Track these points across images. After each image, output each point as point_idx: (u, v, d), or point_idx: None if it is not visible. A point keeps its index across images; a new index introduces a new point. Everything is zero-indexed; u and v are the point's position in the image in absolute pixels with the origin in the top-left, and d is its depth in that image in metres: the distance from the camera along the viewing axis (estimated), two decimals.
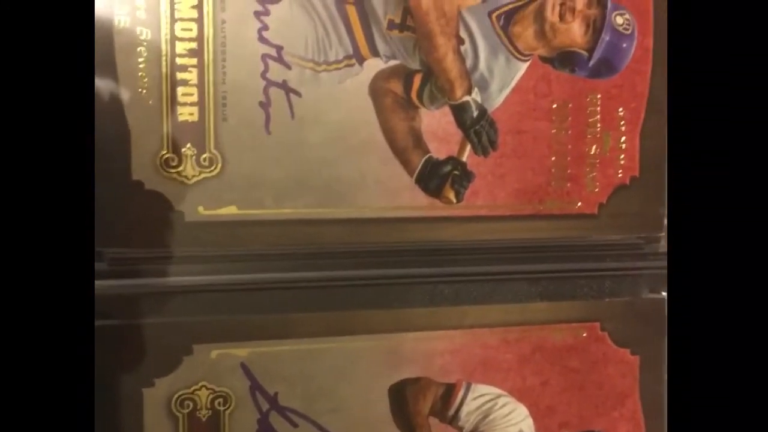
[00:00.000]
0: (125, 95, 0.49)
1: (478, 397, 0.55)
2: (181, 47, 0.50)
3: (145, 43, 0.49)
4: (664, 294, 0.59)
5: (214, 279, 0.51)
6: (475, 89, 0.54)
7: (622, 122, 0.57)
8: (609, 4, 0.55)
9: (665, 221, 0.58)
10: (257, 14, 0.51)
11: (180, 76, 0.50)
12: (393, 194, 0.53)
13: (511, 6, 0.55)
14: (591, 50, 0.55)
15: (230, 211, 0.51)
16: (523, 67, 0.55)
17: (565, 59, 0.55)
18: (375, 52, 0.53)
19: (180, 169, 0.50)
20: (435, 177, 0.54)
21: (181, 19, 0.50)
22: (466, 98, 0.54)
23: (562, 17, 0.55)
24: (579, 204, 0.57)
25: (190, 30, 0.50)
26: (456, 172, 0.54)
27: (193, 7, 0.50)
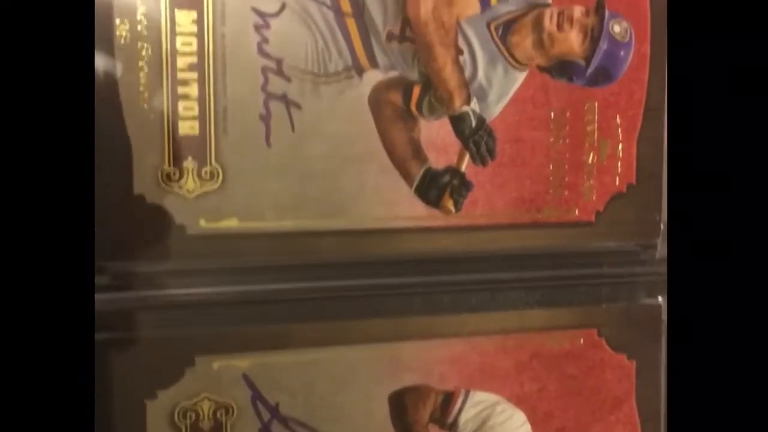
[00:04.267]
0: (127, 110, 0.49)
1: (476, 404, 0.56)
2: (181, 62, 0.50)
3: (146, 58, 0.49)
4: (661, 300, 0.59)
5: (216, 291, 0.52)
6: (474, 99, 0.54)
7: (619, 130, 0.57)
8: (606, 13, 0.56)
9: (662, 228, 0.58)
10: (257, 27, 0.51)
11: (181, 90, 0.50)
12: (392, 204, 0.54)
13: (509, 16, 0.55)
14: (588, 59, 0.56)
15: (231, 223, 0.51)
16: (521, 76, 0.55)
17: (562, 68, 0.56)
18: (374, 64, 0.53)
19: (181, 182, 0.50)
20: (434, 187, 0.54)
21: (182, 34, 0.50)
22: (465, 108, 0.54)
23: (559, 27, 0.55)
24: (576, 212, 0.57)
25: (191, 44, 0.50)
26: (455, 182, 0.55)
27: (194, 21, 0.50)
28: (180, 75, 0.50)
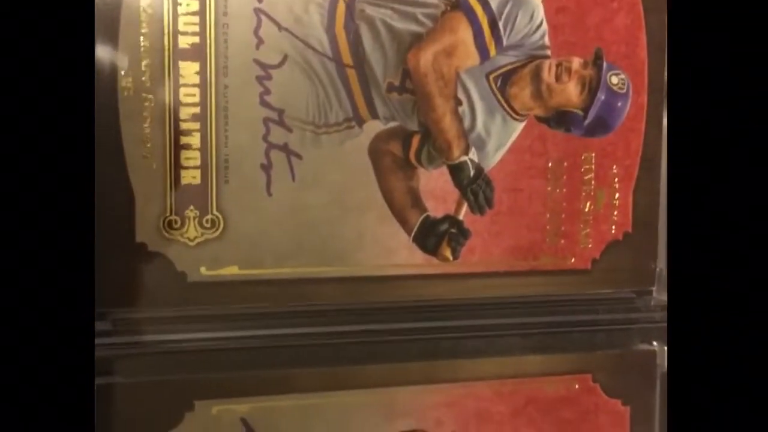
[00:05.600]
0: (130, 159, 0.50)
1: None
2: (184, 112, 0.51)
3: (149, 109, 0.50)
4: (656, 345, 0.60)
5: (216, 336, 0.53)
6: (473, 149, 0.55)
7: (616, 179, 0.58)
8: (604, 65, 0.56)
9: (657, 275, 0.59)
10: (259, 79, 0.52)
11: (183, 140, 0.51)
12: (390, 252, 0.55)
13: (508, 68, 0.56)
14: (586, 110, 0.56)
15: (231, 271, 0.52)
16: (520, 126, 0.56)
17: (560, 119, 0.57)
18: (374, 114, 0.54)
19: (183, 230, 0.51)
20: (432, 235, 0.55)
21: (185, 85, 0.51)
22: (464, 158, 0.55)
23: (558, 78, 0.56)
24: (573, 260, 0.58)
25: (194, 95, 0.51)
26: (453, 230, 0.56)
27: (197, 72, 0.51)
28: (183, 125, 0.51)
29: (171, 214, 0.51)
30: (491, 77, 0.55)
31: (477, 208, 0.56)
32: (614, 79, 0.57)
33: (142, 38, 0.50)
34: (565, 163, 0.57)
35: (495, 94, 0.55)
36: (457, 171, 0.55)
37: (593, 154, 0.57)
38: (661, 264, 0.60)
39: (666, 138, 0.59)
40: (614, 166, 0.58)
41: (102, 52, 0.49)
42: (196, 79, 0.51)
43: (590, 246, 0.58)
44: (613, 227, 0.58)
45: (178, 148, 0.51)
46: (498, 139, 0.56)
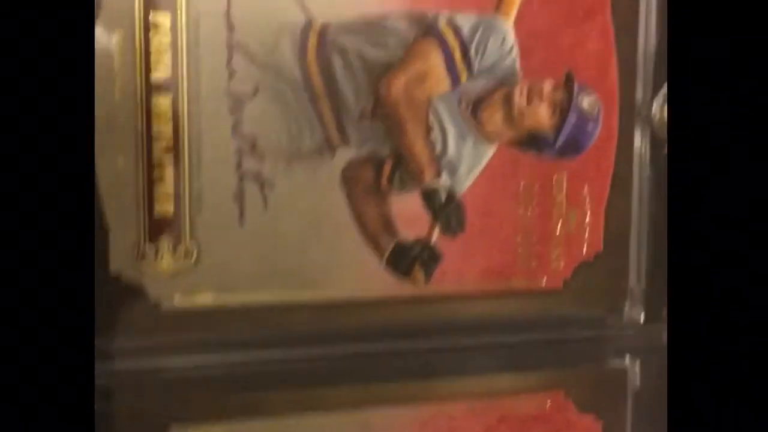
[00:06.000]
0: (104, 191, 0.51)
1: None
2: (157, 144, 0.51)
3: (123, 141, 0.51)
4: (627, 361, 0.61)
5: (191, 363, 0.53)
6: (444, 173, 0.56)
7: (587, 200, 0.59)
8: (575, 87, 0.57)
9: (629, 293, 0.60)
10: (232, 110, 0.52)
11: (157, 172, 0.51)
12: (363, 277, 0.55)
13: (479, 93, 0.56)
14: (557, 132, 0.57)
15: (205, 299, 0.53)
16: (491, 150, 0.57)
17: (532, 141, 0.57)
18: (346, 141, 0.54)
19: (157, 260, 0.52)
20: (404, 259, 0.56)
21: (158, 117, 0.51)
22: (435, 183, 0.56)
23: (529, 101, 0.57)
24: (544, 280, 0.58)
25: (166, 127, 0.51)
26: (424, 254, 0.56)
27: (169, 105, 0.51)
28: (156, 157, 0.51)
29: (145, 244, 0.52)
30: (463, 102, 0.56)
31: (449, 231, 0.56)
32: (585, 102, 0.57)
33: (115, 71, 0.51)
34: (537, 185, 0.57)
35: (466, 119, 0.56)
36: (429, 195, 0.56)
37: (564, 176, 0.58)
38: (633, 282, 0.61)
39: (637, 158, 0.60)
40: (585, 187, 0.58)
41: None
42: (169, 112, 0.51)
43: (562, 267, 0.59)
44: (585, 247, 0.59)
45: (151, 180, 0.51)
46: (469, 162, 0.56)
